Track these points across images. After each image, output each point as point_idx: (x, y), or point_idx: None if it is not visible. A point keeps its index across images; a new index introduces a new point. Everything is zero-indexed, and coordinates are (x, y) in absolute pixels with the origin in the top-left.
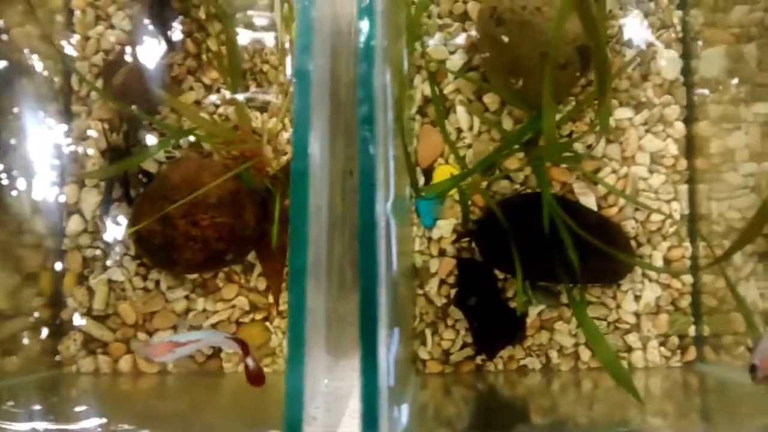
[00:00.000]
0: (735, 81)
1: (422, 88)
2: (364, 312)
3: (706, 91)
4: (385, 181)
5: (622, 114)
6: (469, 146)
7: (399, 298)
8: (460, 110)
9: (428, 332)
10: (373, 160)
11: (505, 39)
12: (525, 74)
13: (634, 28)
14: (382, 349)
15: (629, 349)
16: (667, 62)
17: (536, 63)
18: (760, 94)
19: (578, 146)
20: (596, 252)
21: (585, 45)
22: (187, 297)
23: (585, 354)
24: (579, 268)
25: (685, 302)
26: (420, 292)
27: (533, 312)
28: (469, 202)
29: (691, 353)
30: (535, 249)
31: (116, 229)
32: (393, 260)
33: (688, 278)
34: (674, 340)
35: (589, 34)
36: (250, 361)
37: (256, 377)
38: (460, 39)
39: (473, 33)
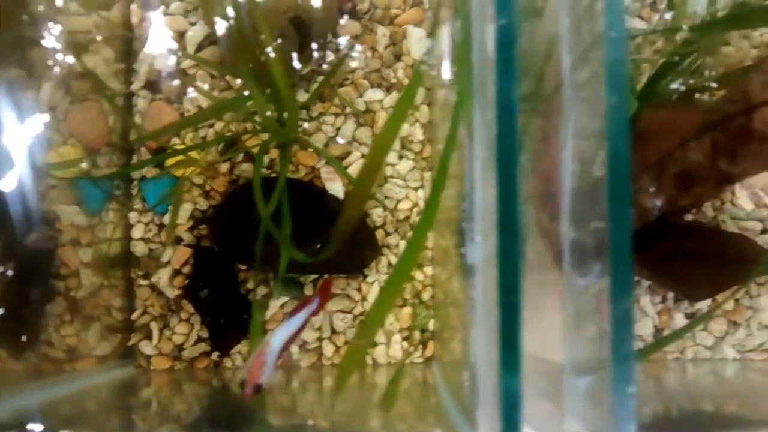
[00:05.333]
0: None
1: (153, 61)
2: None
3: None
4: None
5: (372, 96)
6: (211, 125)
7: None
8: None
9: (155, 326)
10: None
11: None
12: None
13: (385, 5)
14: None
15: (373, 344)
16: (416, 41)
17: (251, 35)
18: None
19: (327, 129)
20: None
21: (299, 16)
22: None
23: (328, 349)
24: (309, 257)
25: (426, 295)
26: (144, 282)
27: (275, 304)
28: (208, 187)
29: (431, 348)
30: (273, 237)
31: None
32: None
33: (430, 270)
34: (416, 334)
35: None
36: None
37: None
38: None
39: None
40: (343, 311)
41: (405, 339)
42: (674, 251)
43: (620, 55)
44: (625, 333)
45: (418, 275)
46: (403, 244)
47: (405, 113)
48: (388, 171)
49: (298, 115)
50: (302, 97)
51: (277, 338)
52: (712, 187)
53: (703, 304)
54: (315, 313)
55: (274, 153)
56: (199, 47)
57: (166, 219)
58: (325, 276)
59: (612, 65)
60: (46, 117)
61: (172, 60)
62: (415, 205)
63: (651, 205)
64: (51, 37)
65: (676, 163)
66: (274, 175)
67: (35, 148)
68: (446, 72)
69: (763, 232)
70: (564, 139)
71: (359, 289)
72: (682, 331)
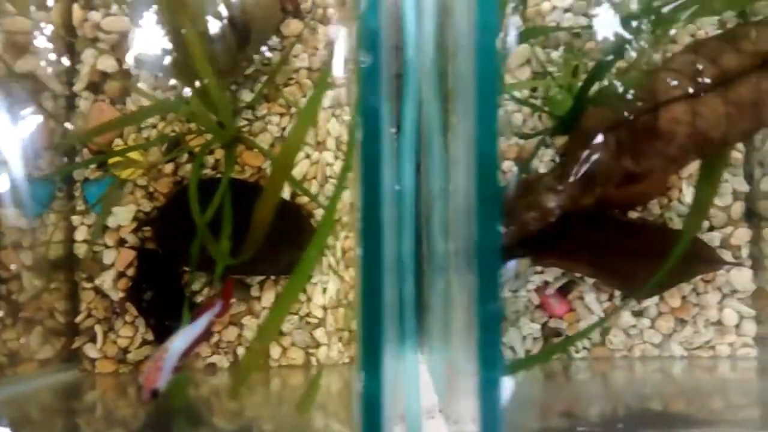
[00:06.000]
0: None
1: (95, 62)
2: None
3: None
4: None
5: None
6: (154, 126)
7: None
8: (142, 87)
9: (99, 329)
10: None
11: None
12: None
13: (326, 4)
14: None
15: (317, 345)
16: (345, 38)
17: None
18: None
19: (273, 129)
20: (283, 242)
21: (237, 16)
22: None
23: (275, 351)
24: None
25: (353, 295)
26: (88, 285)
27: None
28: (152, 188)
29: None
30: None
31: None
32: None
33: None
34: (346, 335)
35: None
36: None
37: None
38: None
39: None
40: (289, 312)
41: (339, 340)
42: (619, 249)
43: (490, 55)
44: (493, 335)
45: (345, 276)
46: (339, 244)
47: (314, 113)
48: (328, 171)
49: (233, 115)
50: (248, 96)
51: (176, 343)
52: (615, 186)
53: (651, 302)
54: (219, 315)
55: (219, 153)
56: None
57: (110, 221)
58: (230, 277)
59: (481, 65)
60: None
61: (114, 61)
62: (352, 204)
63: (552, 204)
64: None
65: (579, 162)
66: (219, 175)
67: None
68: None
69: (710, 229)
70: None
71: (304, 290)
72: (571, 340)
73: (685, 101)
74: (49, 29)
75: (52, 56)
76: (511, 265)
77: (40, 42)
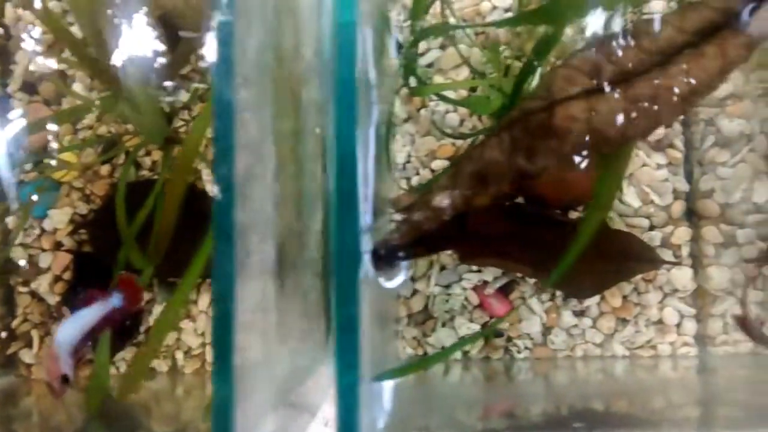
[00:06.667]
0: None
1: (29, 63)
2: None
3: None
4: None
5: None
6: (90, 127)
7: None
8: (78, 87)
9: (36, 334)
10: None
11: None
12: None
13: None
14: None
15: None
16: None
17: None
18: None
19: (209, 130)
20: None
21: (166, 15)
22: None
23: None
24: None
25: None
26: (24, 289)
27: (159, 310)
28: (88, 191)
29: None
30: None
31: None
32: None
33: None
34: None
35: None
36: None
37: None
38: None
39: None
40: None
41: None
42: (558, 249)
43: (348, 53)
44: (350, 339)
45: None
46: None
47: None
48: None
49: (170, 116)
50: (184, 97)
51: (60, 331)
52: (509, 185)
53: (592, 301)
54: (127, 308)
55: (157, 155)
56: None
57: (46, 223)
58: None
59: (340, 65)
60: None
61: (49, 61)
62: None
63: (444, 204)
64: None
65: (473, 161)
66: (156, 176)
67: None
68: None
69: (651, 228)
70: None
71: None
72: (449, 351)
73: (581, 98)
74: None
75: None
76: (404, 264)
77: None
